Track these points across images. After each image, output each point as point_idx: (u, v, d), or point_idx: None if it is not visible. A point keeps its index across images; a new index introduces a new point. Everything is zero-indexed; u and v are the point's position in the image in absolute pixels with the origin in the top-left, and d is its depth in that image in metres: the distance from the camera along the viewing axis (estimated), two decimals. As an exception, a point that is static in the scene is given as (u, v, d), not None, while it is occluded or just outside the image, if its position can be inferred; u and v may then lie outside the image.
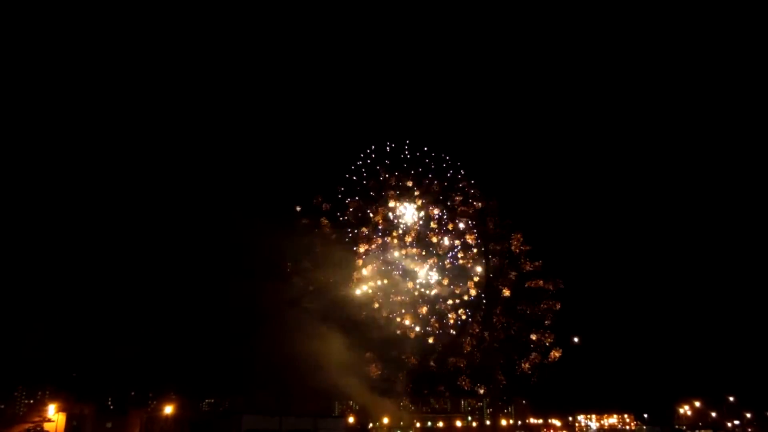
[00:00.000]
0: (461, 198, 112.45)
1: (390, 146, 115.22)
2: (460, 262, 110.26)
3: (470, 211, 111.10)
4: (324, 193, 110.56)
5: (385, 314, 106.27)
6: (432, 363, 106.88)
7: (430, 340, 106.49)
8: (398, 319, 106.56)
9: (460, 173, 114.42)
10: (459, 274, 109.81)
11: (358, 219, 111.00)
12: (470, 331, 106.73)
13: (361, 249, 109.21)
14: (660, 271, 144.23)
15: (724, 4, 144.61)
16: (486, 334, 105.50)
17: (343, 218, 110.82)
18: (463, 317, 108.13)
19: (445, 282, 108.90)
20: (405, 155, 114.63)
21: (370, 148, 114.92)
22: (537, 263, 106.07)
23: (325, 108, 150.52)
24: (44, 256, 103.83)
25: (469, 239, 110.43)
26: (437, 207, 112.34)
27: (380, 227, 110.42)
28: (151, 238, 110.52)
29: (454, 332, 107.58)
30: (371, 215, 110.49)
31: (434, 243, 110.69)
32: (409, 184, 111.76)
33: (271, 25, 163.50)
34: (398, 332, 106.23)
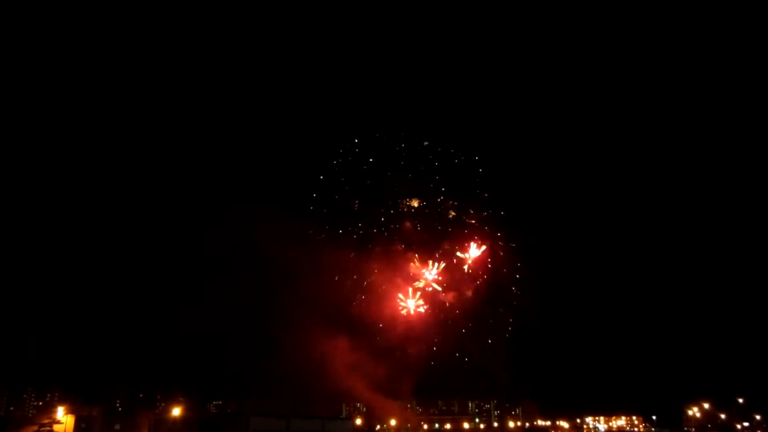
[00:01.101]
0: (467, 204, 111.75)
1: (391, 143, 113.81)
2: (466, 266, 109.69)
3: (476, 217, 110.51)
4: (327, 195, 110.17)
5: (391, 318, 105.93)
6: (438, 366, 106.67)
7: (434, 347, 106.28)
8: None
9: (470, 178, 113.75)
10: (464, 279, 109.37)
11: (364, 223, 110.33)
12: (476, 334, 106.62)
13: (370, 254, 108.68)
14: (669, 273, 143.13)
15: (725, 4, 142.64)
16: (490, 338, 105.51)
17: (349, 224, 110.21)
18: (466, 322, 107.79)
19: (451, 288, 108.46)
20: (401, 150, 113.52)
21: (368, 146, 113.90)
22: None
23: (324, 107, 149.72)
24: (53, 261, 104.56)
25: (474, 244, 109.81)
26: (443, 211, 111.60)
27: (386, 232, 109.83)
28: (155, 242, 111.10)
29: (459, 336, 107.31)
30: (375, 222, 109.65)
31: (439, 248, 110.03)
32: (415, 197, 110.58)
33: (272, 25, 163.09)
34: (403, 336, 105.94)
